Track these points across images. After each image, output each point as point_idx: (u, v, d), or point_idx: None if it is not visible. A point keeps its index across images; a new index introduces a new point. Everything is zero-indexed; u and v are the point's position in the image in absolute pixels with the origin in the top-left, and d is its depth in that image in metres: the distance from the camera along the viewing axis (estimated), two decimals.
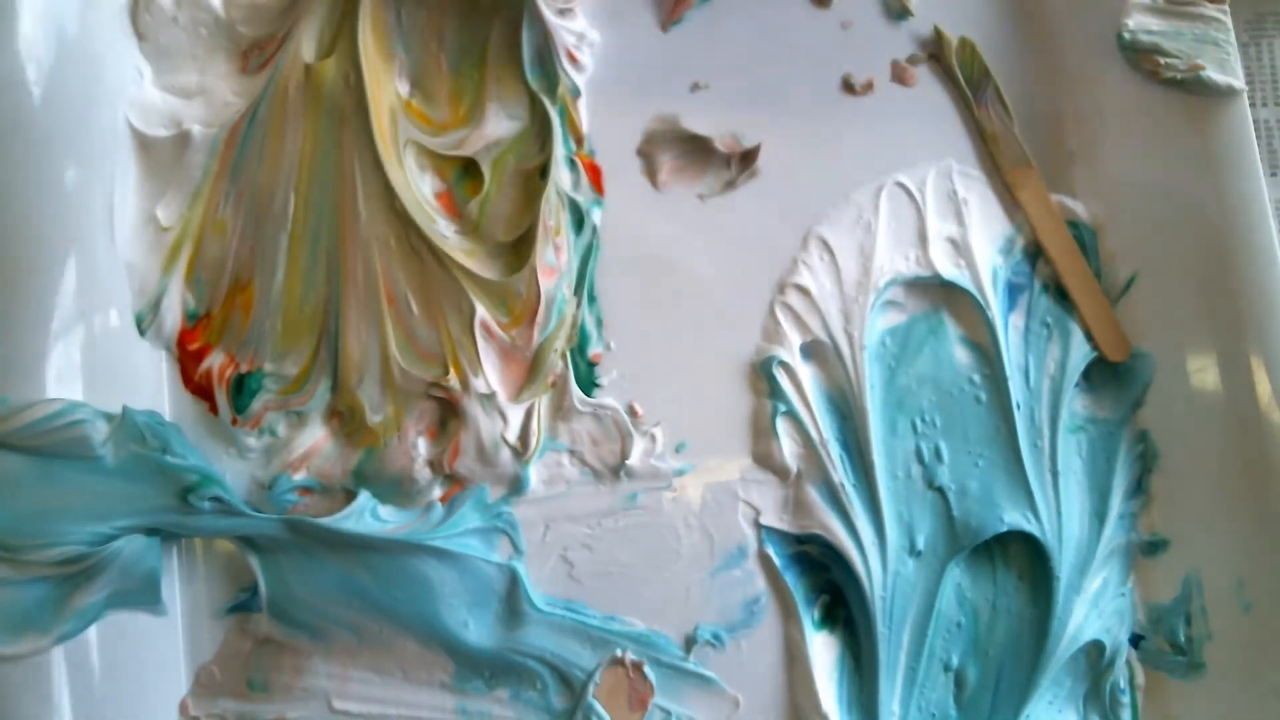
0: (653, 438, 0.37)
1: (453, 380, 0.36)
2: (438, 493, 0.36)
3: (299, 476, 0.36)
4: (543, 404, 0.37)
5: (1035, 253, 0.39)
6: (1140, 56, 0.37)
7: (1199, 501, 0.37)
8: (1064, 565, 0.36)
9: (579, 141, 0.38)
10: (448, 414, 0.37)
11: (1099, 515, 0.37)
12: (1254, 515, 0.35)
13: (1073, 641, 0.36)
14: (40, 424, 0.32)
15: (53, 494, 0.32)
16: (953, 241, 0.38)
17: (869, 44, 0.40)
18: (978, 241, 0.38)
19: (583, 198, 0.37)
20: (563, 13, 0.37)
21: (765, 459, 0.37)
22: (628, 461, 0.37)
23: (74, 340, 0.34)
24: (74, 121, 0.35)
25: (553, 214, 0.37)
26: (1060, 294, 0.38)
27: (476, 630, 0.35)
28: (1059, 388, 0.37)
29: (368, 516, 0.35)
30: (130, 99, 0.36)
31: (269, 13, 0.37)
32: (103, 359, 0.34)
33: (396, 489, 0.36)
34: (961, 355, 0.38)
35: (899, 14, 0.40)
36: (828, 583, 0.37)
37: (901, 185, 0.39)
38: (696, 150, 0.39)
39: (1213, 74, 0.36)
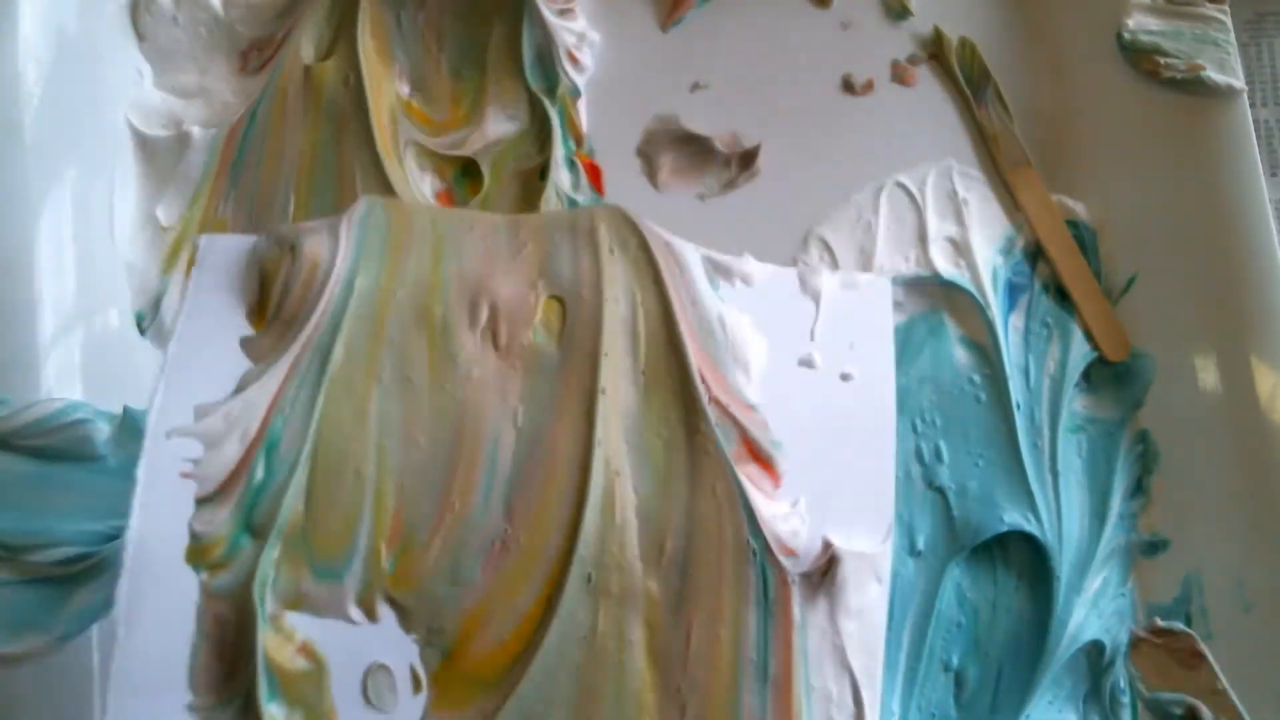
0: None
1: None
2: None
3: None
4: None
5: (1035, 253, 0.39)
6: (1140, 56, 0.37)
7: (1199, 501, 0.37)
8: (1064, 565, 0.36)
9: (579, 142, 0.38)
10: None
11: (1099, 515, 0.37)
12: (1254, 515, 0.35)
13: (1073, 641, 0.36)
14: (41, 424, 0.32)
15: (53, 494, 0.32)
16: (953, 242, 0.38)
17: (869, 44, 0.40)
18: (978, 242, 0.38)
19: (582, 198, 0.37)
20: (563, 13, 0.37)
21: None
22: None
23: (74, 340, 0.34)
24: (74, 121, 0.35)
25: None
26: (1060, 294, 0.38)
27: None
28: (1059, 388, 0.37)
29: None
30: (130, 99, 0.37)
31: (268, 13, 0.37)
32: (103, 359, 0.34)
33: None
34: (961, 355, 0.38)
35: (899, 14, 0.40)
36: None
37: (901, 185, 0.39)
38: (696, 150, 0.39)
39: (1213, 74, 0.36)
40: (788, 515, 0.26)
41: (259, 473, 0.24)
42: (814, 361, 0.27)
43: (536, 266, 0.26)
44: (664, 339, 0.26)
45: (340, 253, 0.25)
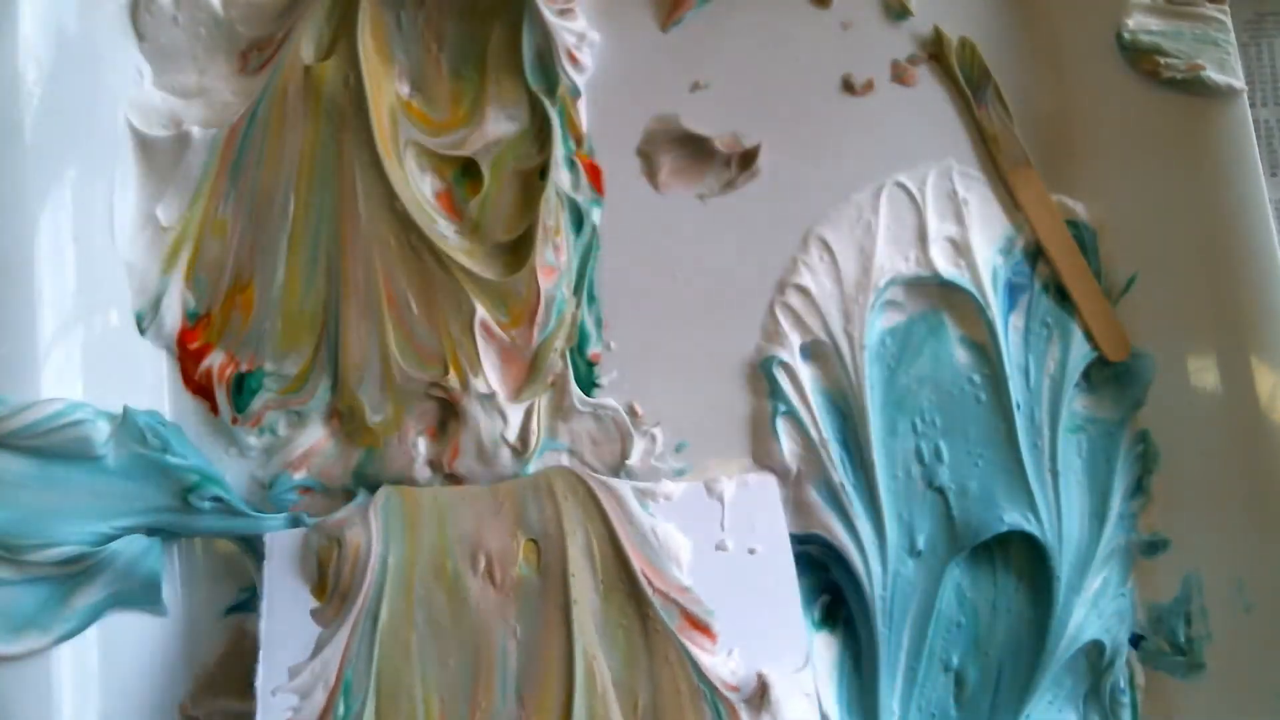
0: (652, 438, 0.37)
1: (452, 380, 0.36)
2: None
3: (299, 476, 0.36)
4: (542, 404, 0.37)
5: (1035, 253, 0.39)
6: (1140, 57, 0.37)
7: (1199, 501, 0.37)
8: (1064, 565, 0.36)
9: (579, 141, 0.38)
10: (448, 414, 0.37)
11: (1099, 515, 0.37)
12: (1254, 515, 0.35)
13: (1073, 641, 0.36)
14: (41, 424, 0.32)
15: (53, 494, 0.32)
16: (953, 241, 0.38)
17: (869, 44, 0.40)
18: (978, 242, 0.38)
19: (582, 198, 0.38)
20: (563, 13, 0.37)
21: (765, 459, 0.37)
22: (627, 461, 0.37)
23: (74, 340, 0.34)
24: (74, 121, 0.35)
25: (552, 214, 0.37)
26: (1060, 294, 0.38)
27: None
28: (1059, 388, 0.37)
29: None
30: (130, 99, 0.37)
31: (268, 13, 0.37)
32: (103, 358, 0.34)
33: None
34: (961, 355, 0.38)
35: (899, 14, 0.40)
36: (828, 583, 0.37)
37: (901, 185, 0.39)
38: (696, 150, 0.39)
39: (1213, 74, 0.36)
40: (726, 661, 0.34)
41: (340, 709, 0.32)
42: (726, 545, 0.35)
43: (514, 520, 0.35)
44: (613, 555, 0.34)
45: (374, 538, 0.34)
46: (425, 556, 0.34)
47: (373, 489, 0.36)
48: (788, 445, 0.37)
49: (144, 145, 0.37)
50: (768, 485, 0.36)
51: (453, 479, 0.36)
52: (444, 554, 0.34)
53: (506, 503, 0.35)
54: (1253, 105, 0.41)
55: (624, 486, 0.35)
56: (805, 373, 0.37)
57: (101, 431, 0.33)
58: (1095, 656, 0.37)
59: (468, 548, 0.34)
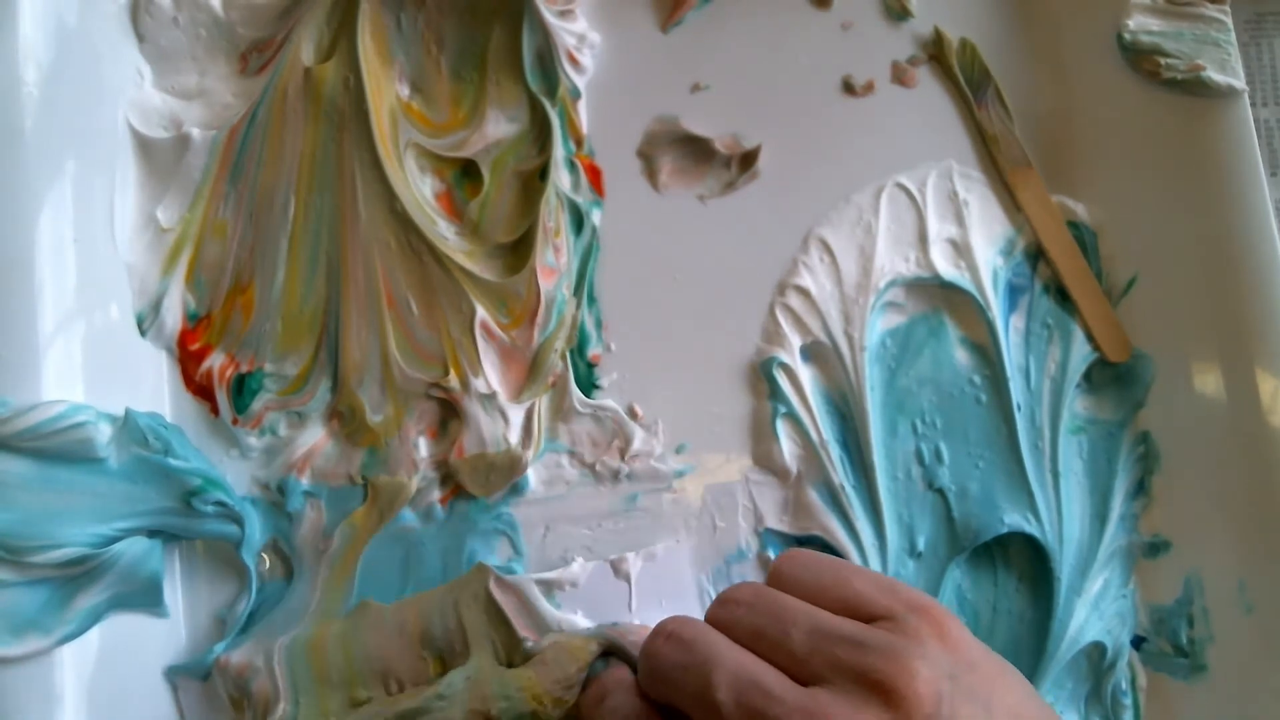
0: (652, 439, 0.37)
1: (452, 380, 0.36)
2: (437, 494, 0.36)
3: (305, 479, 0.36)
4: (543, 405, 0.37)
5: (1036, 254, 0.39)
6: (1141, 57, 0.37)
7: (1200, 503, 0.37)
8: (1065, 566, 0.36)
9: (579, 143, 0.38)
10: (448, 414, 0.37)
11: (1100, 516, 0.37)
12: (1255, 516, 0.35)
13: (1074, 643, 0.36)
14: (43, 426, 0.32)
15: (55, 496, 0.32)
16: (953, 243, 0.38)
17: (869, 45, 0.39)
18: (978, 243, 0.38)
19: (582, 199, 0.38)
20: (563, 14, 0.37)
21: (765, 460, 0.37)
22: (627, 463, 0.37)
23: (74, 341, 0.34)
24: (74, 122, 0.35)
25: (552, 215, 0.37)
26: (1061, 295, 0.38)
27: None
28: (1060, 389, 0.37)
29: None
30: (130, 100, 0.37)
31: (268, 15, 0.37)
32: (104, 360, 0.34)
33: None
34: (962, 356, 0.38)
35: (899, 15, 0.40)
36: None
37: (902, 186, 0.39)
38: (697, 151, 0.39)
39: (1213, 74, 0.36)
40: None
41: None
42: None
43: (418, 639, 0.34)
44: (522, 664, 0.33)
45: (281, 694, 0.33)
46: (337, 694, 0.34)
47: None
48: (788, 446, 0.37)
49: (144, 146, 0.37)
50: (676, 554, 0.36)
51: (454, 480, 0.36)
52: (355, 685, 0.34)
53: (410, 620, 0.34)
54: (1253, 105, 0.41)
55: (528, 585, 0.34)
56: (805, 374, 0.37)
57: (103, 433, 0.33)
58: (1097, 658, 0.37)
59: (378, 675, 0.34)
